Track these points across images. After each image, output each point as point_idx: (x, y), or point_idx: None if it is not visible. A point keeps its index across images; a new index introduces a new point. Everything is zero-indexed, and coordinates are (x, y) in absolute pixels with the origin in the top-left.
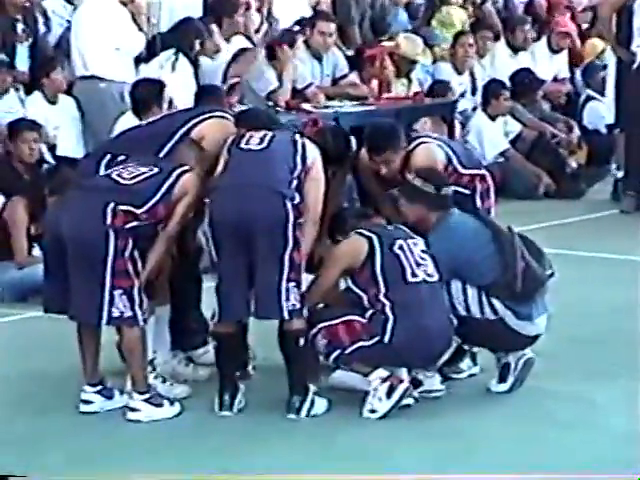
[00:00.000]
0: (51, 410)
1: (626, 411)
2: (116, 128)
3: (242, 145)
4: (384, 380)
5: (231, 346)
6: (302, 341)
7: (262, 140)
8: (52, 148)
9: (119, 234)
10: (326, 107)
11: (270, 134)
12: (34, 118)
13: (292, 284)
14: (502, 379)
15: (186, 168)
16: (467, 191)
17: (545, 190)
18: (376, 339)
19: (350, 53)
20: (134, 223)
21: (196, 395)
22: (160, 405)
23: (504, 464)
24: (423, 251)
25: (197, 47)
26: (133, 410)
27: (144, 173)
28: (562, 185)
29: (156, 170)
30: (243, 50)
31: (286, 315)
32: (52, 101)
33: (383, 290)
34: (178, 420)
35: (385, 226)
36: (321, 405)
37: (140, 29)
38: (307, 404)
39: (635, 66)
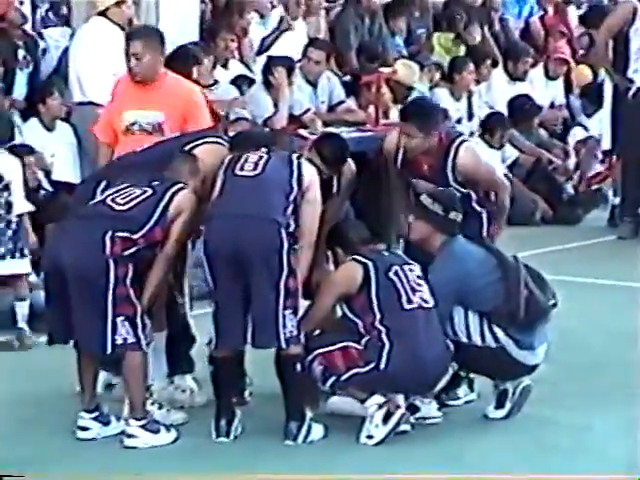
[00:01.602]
0: (48, 435)
1: (625, 438)
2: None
3: (237, 171)
4: (381, 406)
5: (228, 371)
6: (299, 367)
7: (257, 165)
8: (49, 174)
9: (119, 262)
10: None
11: (265, 157)
12: (31, 144)
13: (288, 311)
14: (499, 405)
15: (180, 186)
16: (478, 208)
17: (542, 216)
18: (372, 365)
19: (347, 79)
20: (132, 249)
21: (193, 421)
22: (157, 431)
23: None
24: (419, 277)
25: (195, 74)
26: (130, 436)
27: (138, 196)
28: (559, 211)
29: (149, 192)
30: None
31: (283, 344)
32: (49, 127)
33: (379, 317)
34: (175, 446)
35: (382, 252)
36: (318, 431)
37: None
38: (304, 430)
39: (631, 93)
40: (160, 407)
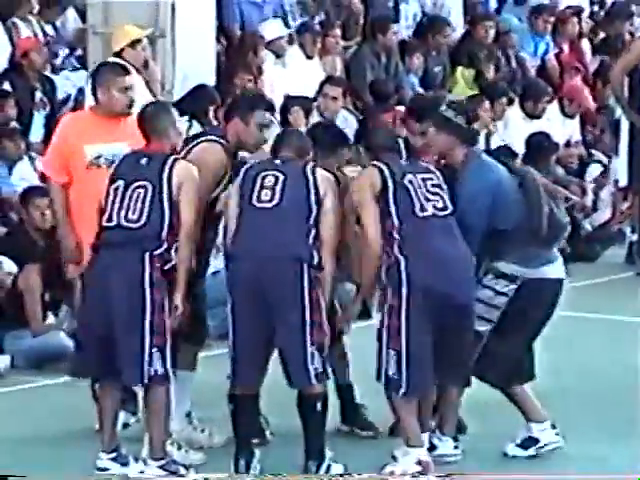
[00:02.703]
0: (65, 476)
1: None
2: None
3: (254, 201)
4: (418, 462)
5: (247, 410)
6: (319, 405)
7: (274, 192)
8: None
9: (154, 285)
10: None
11: (281, 178)
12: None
13: (315, 347)
14: (523, 447)
15: (172, 159)
16: None
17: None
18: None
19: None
20: (166, 257)
21: (212, 461)
22: (176, 472)
23: None
24: (435, 185)
25: (211, 114)
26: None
27: (143, 199)
28: (577, 248)
29: (148, 186)
30: None
31: (313, 380)
32: None
33: (397, 223)
34: None
35: (400, 160)
36: (338, 470)
37: (154, 96)
38: (323, 469)
39: None
40: (179, 447)
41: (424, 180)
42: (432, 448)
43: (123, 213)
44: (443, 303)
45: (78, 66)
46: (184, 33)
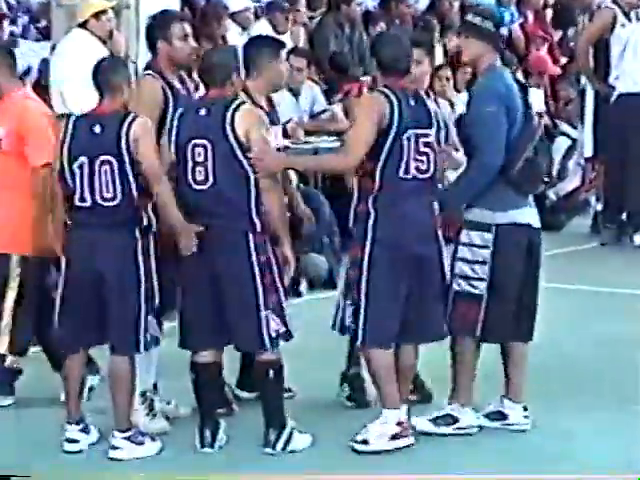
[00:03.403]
0: (34, 448)
1: (611, 443)
2: None
3: (190, 182)
4: (399, 424)
5: (208, 378)
6: (272, 373)
7: (207, 172)
8: None
9: (145, 254)
10: (305, 142)
11: (210, 152)
12: None
13: (269, 310)
14: (495, 419)
15: (126, 127)
16: None
17: None
18: (361, 243)
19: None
20: (145, 221)
21: (178, 433)
22: (141, 443)
23: None
24: (427, 144)
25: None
26: (115, 448)
27: (112, 175)
28: (542, 217)
29: (113, 161)
30: None
31: (268, 346)
32: None
33: (377, 184)
34: (159, 456)
35: (409, 100)
36: (302, 441)
37: None
38: (283, 438)
39: (612, 99)
40: (150, 410)
41: (419, 137)
42: (454, 421)
43: (97, 192)
44: (408, 260)
45: (38, 36)
46: (148, 4)
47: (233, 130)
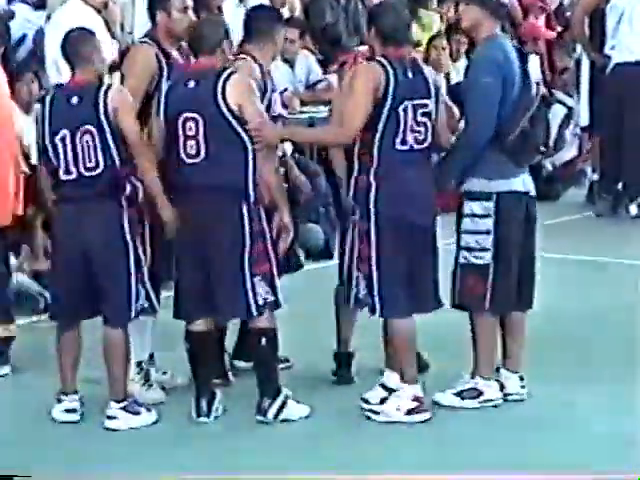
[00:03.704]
0: (27, 417)
1: (610, 415)
2: None
3: (182, 156)
4: (414, 399)
5: (204, 347)
6: (264, 340)
7: (198, 146)
8: (28, 157)
9: (130, 223)
10: (301, 112)
11: (201, 126)
12: None
13: (257, 278)
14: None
15: (102, 96)
16: None
17: None
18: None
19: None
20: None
21: (174, 402)
22: (137, 413)
23: (489, 465)
24: (425, 114)
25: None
26: (111, 418)
27: (94, 145)
28: (538, 187)
29: (94, 130)
30: None
31: (255, 312)
32: (26, 110)
33: (376, 156)
34: (156, 426)
35: (407, 72)
36: (297, 410)
37: (114, 37)
38: (276, 406)
39: (608, 69)
40: (146, 381)
41: (416, 107)
42: (479, 394)
43: (81, 163)
44: (409, 231)
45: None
46: None
47: (225, 101)
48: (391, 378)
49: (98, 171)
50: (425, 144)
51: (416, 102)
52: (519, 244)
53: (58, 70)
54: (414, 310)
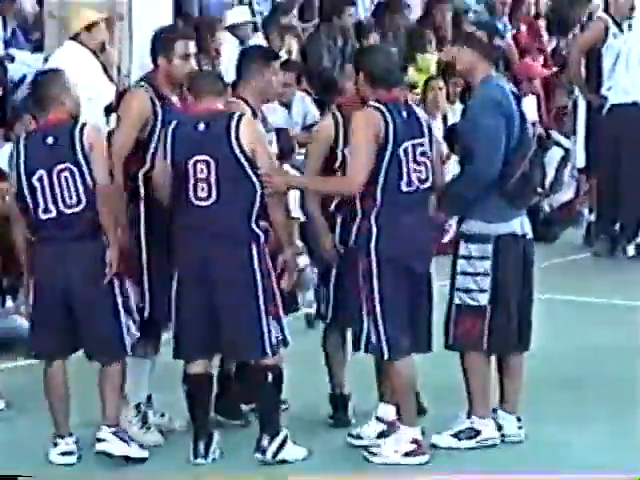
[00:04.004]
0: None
1: (606, 454)
2: None
3: (191, 198)
4: (413, 441)
5: (202, 389)
6: (271, 377)
7: (210, 188)
8: None
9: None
10: (298, 154)
11: (213, 169)
12: (6, 170)
13: (270, 317)
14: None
15: (77, 135)
16: None
17: None
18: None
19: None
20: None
21: (171, 445)
22: (126, 441)
23: None
24: (423, 153)
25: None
26: (100, 440)
27: (74, 182)
28: (536, 229)
29: (73, 167)
30: None
31: (269, 351)
32: None
33: (379, 199)
34: (155, 467)
35: (402, 112)
36: (295, 452)
37: (111, 79)
38: (275, 445)
39: (605, 110)
40: (144, 423)
41: (415, 147)
42: (476, 434)
43: (60, 201)
44: (408, 274)
45: (27, 45)
46: (141, 16)
47: (239, 144)
48: (387, 411)
49: (80, 207)
50: (428, 183)
51: (414, 142)
52: (517, 286)
53: None
54: (413, 350)
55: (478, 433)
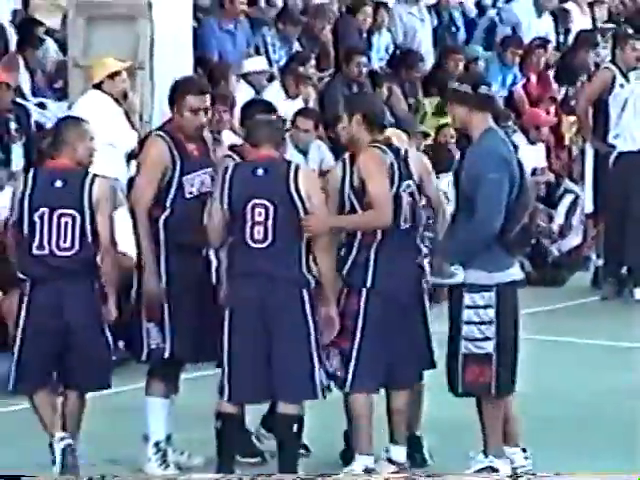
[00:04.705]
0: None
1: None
2: None
3: (247, 240)
4: (365, 470)
5: (234, 428)
6: (295, 427)
7: (266, 231)
8: None
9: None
10: None
11: (271, 213)
12: None
13: (320, 362)
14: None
15: (89, 178)
16: None
17: (527, 277)
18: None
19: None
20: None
21: None
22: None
23: None
24: (412, 194)
25: None
26: None
27: (72, 228)
28: (544, 273)
29: (76, 214)
30: None
31: (320, 395)
32: None
33: (379, 235)
34: None
35: (400, 156)
36: None
37: (133, 126)
38: None
39: (612, 158)
40: (163, 461)
41: (407, 187)
42: (494, 471)
43: (54, 241)
44: (397, 310)
45: (52, 95)
46: (162, 65)
47: (297, 191)
48: (398, 452)
49: (72, 252)
50: (415, 222)
51: (406, 182)
52: (516, 331)
53: None
54: (383, 386)
55: (495, 471)
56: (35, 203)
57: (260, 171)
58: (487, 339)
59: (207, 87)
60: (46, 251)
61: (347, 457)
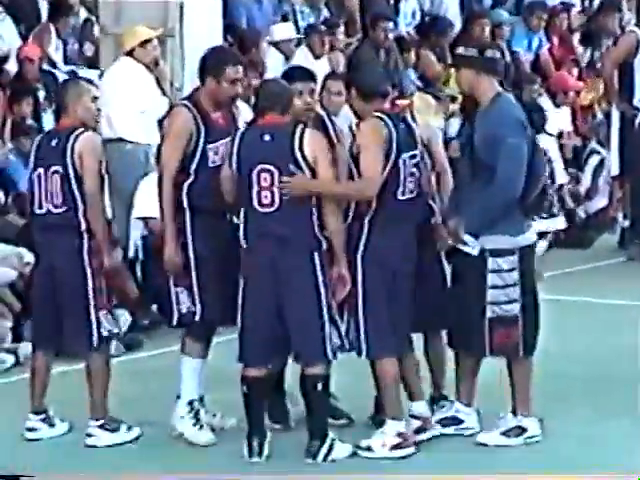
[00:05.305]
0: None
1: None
2: (140, 188)
3: (255, 205)
4: (398, 435)
5: (259, 392)
6: (320, 386)
7: (273, 196)
8: None
9: (91, 253)
10: None
11: (276, 177)
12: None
13: (331, 324)
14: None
15: (72, 140)
16: None
17: (555, 239)
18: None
19: None
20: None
21: (224, 442)
22: (115, 430)
23: None
24: (416, 165)
25: None
26: (90, 436)
27: (61, 185)
28: (571, 234)
29: (62, 170)
30: None
31: (331, 356)
32: None
33: (374, 205)
34: (209, 463)
35: (399, 125)
36: (342, 450)
37: (164, 93)
38: (325, 449)
39: (638, 121)
40: (197, 421)
41: (411, 158)
42: (459, 422)
43: (49, 200)
44: (394, 277)
45: (82, 63)
46: (192, 32)
47: (303, 155)
48: (419, 406)
49: (64, 209)
50: (415, 194)
51: (410, 153)
52: (536, 291)
53: (110, 124)
54: (402, 351)
55: (524, 430)
56: (35, 165)
57: (267, 137)
58: (513, 301)
59: (242, 59)
60: (44, 210)
61: (377, 421)
